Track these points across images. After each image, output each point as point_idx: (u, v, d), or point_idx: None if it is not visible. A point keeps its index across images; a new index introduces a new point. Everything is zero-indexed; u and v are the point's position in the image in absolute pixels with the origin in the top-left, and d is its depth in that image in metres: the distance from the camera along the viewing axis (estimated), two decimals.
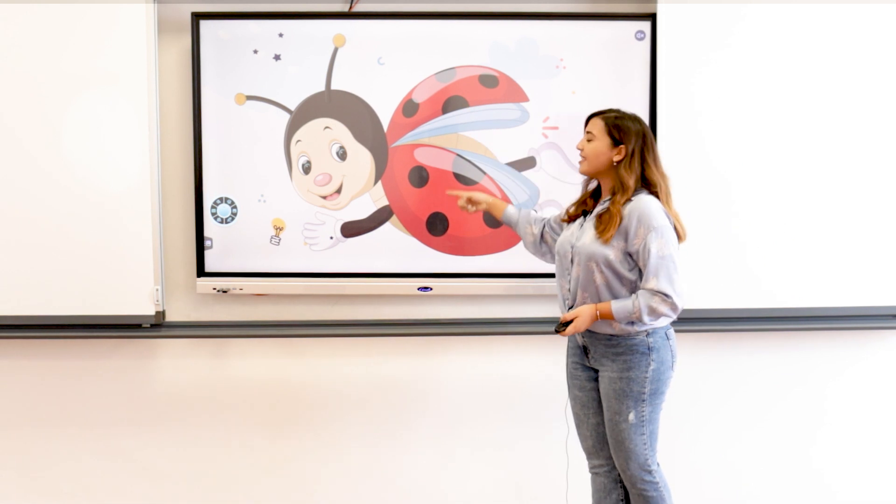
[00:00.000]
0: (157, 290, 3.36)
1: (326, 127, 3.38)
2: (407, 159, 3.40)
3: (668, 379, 2.80)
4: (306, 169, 3.39)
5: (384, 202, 3.41)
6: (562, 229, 2.99)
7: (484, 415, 3.58)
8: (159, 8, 3.34)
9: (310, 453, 3.59)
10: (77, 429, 3.55)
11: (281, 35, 3.33)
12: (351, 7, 3.40)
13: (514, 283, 3.42)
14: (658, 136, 3.32)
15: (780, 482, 3.63)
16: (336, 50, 3.35)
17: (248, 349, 3.55)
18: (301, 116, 3.37)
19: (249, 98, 3.36)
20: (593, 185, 2.92)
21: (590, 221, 2.82)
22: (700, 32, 3.34)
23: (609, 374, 2.80)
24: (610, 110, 2.85)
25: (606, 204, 2.79)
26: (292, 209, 3.39)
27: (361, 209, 3.41)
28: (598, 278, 2.75)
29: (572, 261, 2.81)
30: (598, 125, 2.81)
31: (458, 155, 3.39)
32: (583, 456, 2.99)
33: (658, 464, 2.84)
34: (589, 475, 2.99)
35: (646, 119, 3.31)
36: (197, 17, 3.32)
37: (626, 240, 2.72)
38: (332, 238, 3.42)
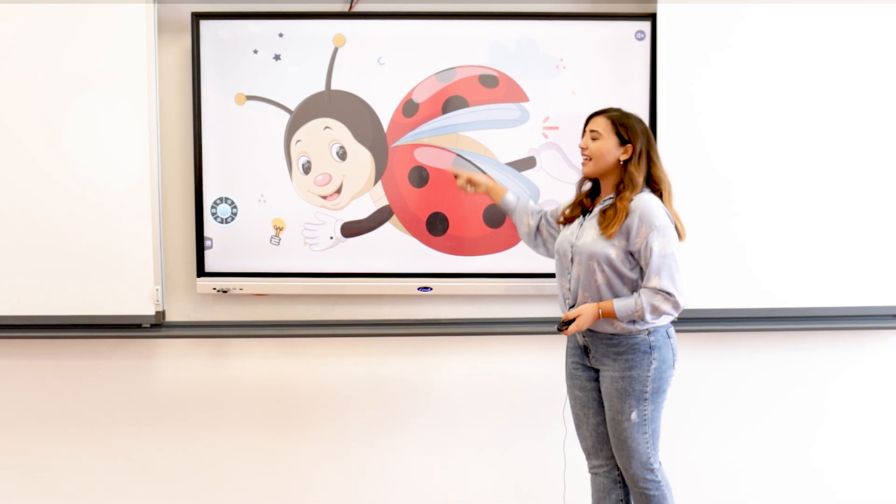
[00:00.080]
0: (157, 290, 3.36)
1: (326, 127, 3.38)
2: (407, 159, 3.40)
3: (669, 377, 2.80)
4: (306, 169, 3.39)
5: (384, 202, 3.41)
6: (558, 219, 2.99)
7: (484, 415, 3.58)
8: (159, 8, 3.34)
9: (310, 453, 3.59)
10: (77, 429, 3.55)
11: (281, 35, 3.33)
12: (351, 7, 3.40)
13: (514, 283, 3.42)
14: (658, 136, 3.32)
15: (780, 482, 3.63)
16: (336, 50, 3.35)
17: (248, 349, 3.55)
18: (301, 116, 3.37)
19: (249, 98, 3.36)
20: (587, 186, 2.91)
21: (590, 221, 2.81)
22: (700, 32, 3.34)
23: (611, 373, 2.80)
24: (611, 109, 2.85)
25: (610, 201, 2.79)
26: (292, 209, 3.39)
27: (361, 209, 3.41)
28: (600, 277, 2.75)
29: (572, 260, 2.81)
30: (603, 124, 2.80)
31: (458, 155, 3.39)
32: (581, 457, 2.99)
33: (660, 462, 2.84)
34: (587, 476, 2.99)
35: (646, 119, 3.32)
36: (197, 17, 3.32)
37: (627, 239, 2.72)
38: (332, 238, 3.42)
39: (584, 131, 2.85)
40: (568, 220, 2.91)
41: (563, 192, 3.34)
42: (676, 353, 2.82)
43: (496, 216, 3.42)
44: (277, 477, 3.59)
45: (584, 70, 3.37)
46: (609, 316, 2.73)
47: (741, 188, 3.37)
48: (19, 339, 3.47)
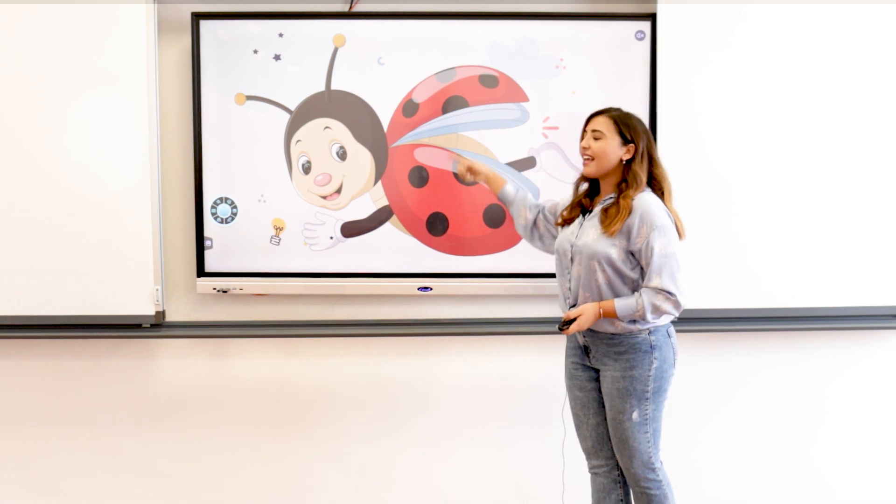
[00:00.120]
0: (157, 290, 3.36)
1: (326, 127, 3.38)
2: (407, 159, 3.40)
3: (670, 376, 2.81)
4: (306, 169, 3.39)
5: (384, 202, 3.41)
6: (555, 216, 2.98)
7: (484, 414, 3.58)
8: (159, 8, 3.34)
9: (309, 453, 3.59)
10: (77, 429, 3.55)
11: (281, 35, 3.33)
12: (351, 7, 3.40)
13: (514, 283, 3.42)
14: (658, 136, 3.32)
15: (780, 482, 3.63)
16: (336, 50, 3.35)
17: (248, 349, 3.55)
18: (301, 116, 3.37)
19: (249, 98, 3.36)
20: (584, 187, 2.91)
21: (591, 220, 2.81)
22: (700, 32, 3.34)
23: (612, 373, 2.80)
24: (612, 108, 2.85)
25: (612, 199, 2.78)
26: (292, 209, 3.39)
27: (361, 209, 3.41)
28: (601, 277, 2.75)
29: (572, 259, 2.81)
30: (606, 124, 2.79)
31: (459, 155, 3.39)
32: (581, 457, 2.99)
33: (661, 462, 2.84)
34: (586, 476, 2.99)
35: (646, 119, 3.32)
36: (197, 17, 3.32)
37: (628, 238, 2.72)
38: (332, 238, 3.42)
39: (585, 131, 2.85)
40: (567, 222, 2.90)
41: (563, 192, 3.32)
42: (677, 352, 2.83)
43: (496, 216, 3.42)
44: (277, 477, 3.59)
45: (584, 70, 3.37)
46: (610, 315, 2.73)
47: (741, 188, 3.37)
48: (19, 339, 3.47)
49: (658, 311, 2.71)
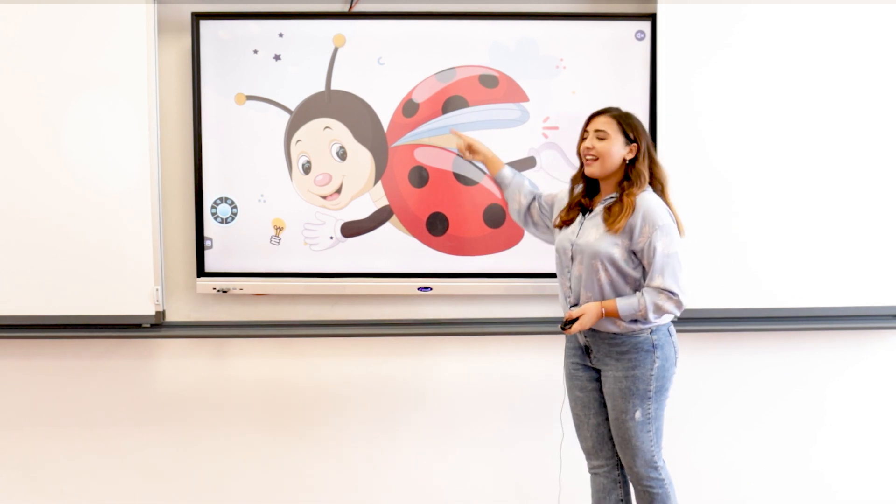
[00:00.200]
0: (157, 290, 3.36)
1: (326, 127, 3.38)
2: (407, 159, 3.40)
3: (672, 375, 2.81)
4: (306, 169, 3.39)
5: (384, 202, 3.41)
6: (552, 209, 2.98)
7: (483, 414, 3.58)
8: (159, 8, 3.34)
9: (309, 453, 3.59)
10: (77, 429, 3.55)
11: (281, 35, 3.33)
12: (351, 7, 3.40)
13: (514, 283, 3.42)
14: (658, 136, 3.33)
15: (780, 482, 3.63)
16: (336, 50, 3.35)
17: (248, 349, 3.55)
18: (301, 116, 3.37)
19: (249, 98, 3.36)
20: (579, 188, 2.91)
21: (592, 219, 2.81)
22: (700, 32, 3.34)
23: (614, 373, 2.80)
24: (612, 108, 2.85)
25: (613, 198, 2.78)
26: (292, 209, 3.39)
27: (361, 209, 3.41)
28: (603, 277, 2.75)
29: (572, 258, 2.81)
30: (610, 124, 2.79)
31: (458, 155, 3.38)
32: (579, 458, 2.99)
33: (664, 460, 2.84)
34: (584, 478, 2.99)
35: (646, 119, 3.32)
36: (197, 17, 3.32)
37: (630, 238, 2.72)
38: (332, 238, 3.42)
39: (585, 132, 2.84)
40: (565, 223, 2.89)
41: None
42: (678, 350, 2.83)
43: (496, 216, 3.42)
44: (277, 476, 3.59)
45: (584, 70, 3.37)
46: (612, 315, 2.73)
47: (741, 188, 3.37)
48: (19, 339, 3.47)
49: (660, 311, 2.71)
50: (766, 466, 3.63)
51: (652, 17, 3.35)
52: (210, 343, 3.54)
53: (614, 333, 2.78)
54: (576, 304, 2.81)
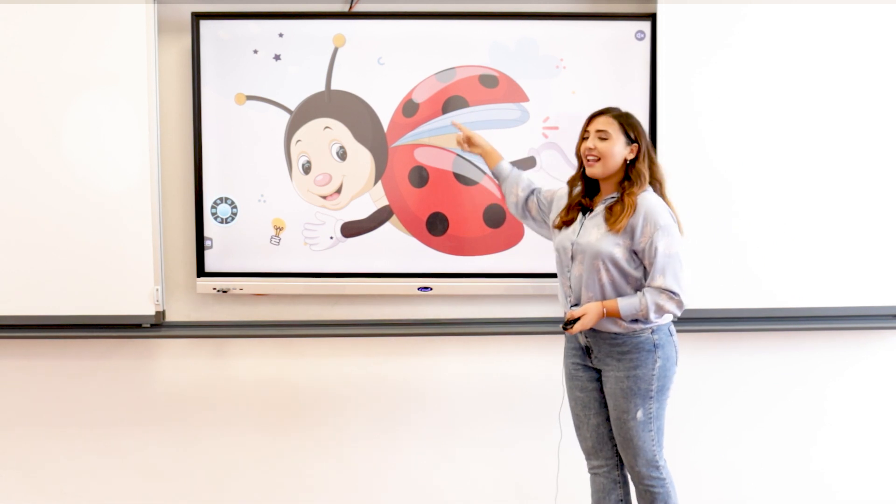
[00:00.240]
0: (157, 290, 3.36)
1: (326, 127, 3.38)
2: (407, 159, 3.40)
3: (673, 374, 2.82)
4: (306, 169, 3.39)
5: (384, 202, 3.41)
6: (551, 205, 2.98)
7: (483, 414, 3.58)
8: (159, 8, 3.34)
9: (309, 453, 3.59)
10: (77, 429, 3.55)
11: (281, 35, 3.33)
12: (351, 7, 3.40)
13: (514, 283, 3.42)
14: (658, 136, 3.33)
15: (780, 482, 3.63)
16: (336, 50, 3.35)
17: (248, 349, 3.55)
18: (301, 116, 3.37)
19: (249, 98, 3.36)
20: (578, 189, 2.91)
21: (593, 219, 2.81)
22: (700, 32, 3.34)
23: (615, 373, 2.80)
24: (612, 108, 2.85)
25: (614, 198, 2.78)
26: (292, 209, 3.39)
27: (361, 209, 3.41)
28: (605, 276, 2.75)
29: (573, 258, 2.81)
30: (611, 124, 2.79)
31: (458, 155, 3.39)
32: (576, 459, 2.99)
33: (665, 460, 2.85)
34: (583, 478, 2.99)
35: (646, 119, 3.32)
36: (197, 17, 3.32)
37: (632, 238, 2.73)
38: (332, 238, 3.42)
39: (586, 132, 2.83)
40: (565, 223, 2.89)
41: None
42: (678, 349, 2.84)
43: (496, 216, 3.42)
44: (277, 477, 3.59)
45: (584, 70, 3.37)
46: (613, 315, 2.73)
47: (741, 188, 3.37)
48: (19, 339, 3.47)
49: (661, 311, 2.71)
50: (766, 466, 3.63)
51: (652, 17, 3.35)
52: (210, 343, 3.54)
53: (615, 333, 2.78)
54: (576, 304, 2.81)
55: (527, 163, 3.39)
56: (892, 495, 3.65)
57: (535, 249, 3.34)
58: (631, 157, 2.79)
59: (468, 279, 3.42)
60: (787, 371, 3.59)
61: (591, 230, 2.78)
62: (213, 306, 3.49)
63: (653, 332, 2.77)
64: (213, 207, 3.39)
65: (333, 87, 3.36)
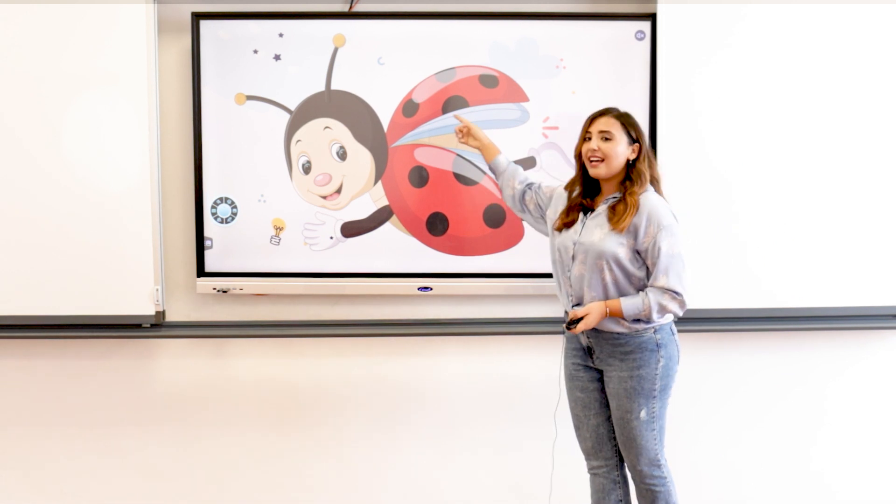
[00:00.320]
0: (157, 290, 3.36)
1: (326, 127, 3.38)
2: (407, 159, 3.40)
3: (675, 374, 2.82)
4: (306, 169, 3.39)
5: (384, 202, 3.41)
6: (550, 200, 2.98)
7: (483, 415, 3.58)
8: (159, 8, 3.34)
9: (309, 453, 3.59)
10: (77, 429, 3.55)
11: (281, 35, 3.33)
12: (351, 7, 3.40)
13: (514, 283, 3.42)
14: (658, 136, 3.33)
15: (780, 482, 3.63)
16: (336, 50, 3.35)
17: (248, 349, 3.55)
18: (301, 116, 3.37)
19: (249, 98, 3.36)
20: (577, 190, 2.90)
21: (595, 219, 2.80)
22: (700, 32, 3.34)
23: (618, 373, 2.80)
24: (612, 109, 2.84)
25: (616, 198, 2.78)
26: (292, 209, 3.39)
27: (361, 209, 3.41)
28: (608, 276, 2.75)
29: (573, 258, 2.81)
30: (613, 124, 2.78)
31: (458, 155, 3.39)
32: (575, 459, 2.98)
33: (666, 459, 2.85)
34: (581, 478, 2.99)
35: (646, 119, 3.32)
36: (197, 17, 3.32)
37: (635, 238, 2.73)
38: (332, 238, 3.42)
39: (587, 133, 2.82)
40: (566, 225, 2.88)
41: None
42: (680, 349, 2.84)
43: (496, 216, 3.42)
44: (277, 477, 3.59)
45: (584, 70, 3.37)
46: (616, 315, 2.73)
47: (741, 188, 3.37)
48: (19, 339, 3.47)
49: (664, 311, 2.72)
50: (766, 466, 3.63)
51: (652, 17, 3.35)
52: (210, 343, 3.54)
53: (618, 333, 2.78)
54: (578, 304, 2.81)
55: (527, 163, 3.39)
56: (892, 495, 3.65)
57: (535, 249, 3.34)
58: (633, 157, 2.79)
59: (468, 279, 3.42)
60: (787, 371, 3.59)
61: (594, 230, 2.78)
62: (213, 306, 3.49)
63: (655, 331, 2.78)
64: (213, 207, 3.39)
65: (333, 87, 3.36)
